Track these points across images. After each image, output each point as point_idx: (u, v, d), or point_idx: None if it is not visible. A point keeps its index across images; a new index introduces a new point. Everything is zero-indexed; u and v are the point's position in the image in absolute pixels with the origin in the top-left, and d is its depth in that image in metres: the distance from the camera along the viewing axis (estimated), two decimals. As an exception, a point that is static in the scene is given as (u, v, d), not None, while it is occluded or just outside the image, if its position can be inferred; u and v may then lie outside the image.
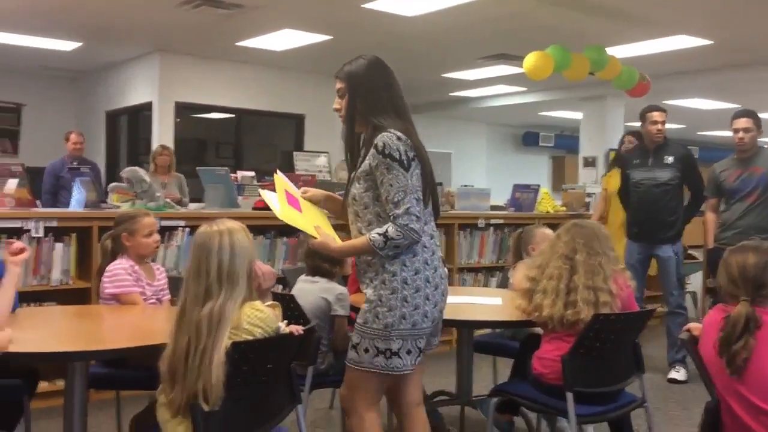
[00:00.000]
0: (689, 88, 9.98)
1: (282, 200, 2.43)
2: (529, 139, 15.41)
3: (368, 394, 2.44)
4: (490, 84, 10.35)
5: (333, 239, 2.45)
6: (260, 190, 2.55)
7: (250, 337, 2.06)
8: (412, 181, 2.31)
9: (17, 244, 2.43)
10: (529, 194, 6.17)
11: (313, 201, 2.63)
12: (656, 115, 4.85)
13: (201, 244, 2.07)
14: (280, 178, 2.53)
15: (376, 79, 2.45)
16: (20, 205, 4.15)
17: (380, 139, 2.31)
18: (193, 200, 6.17)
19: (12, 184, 4.31)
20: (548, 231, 3.80)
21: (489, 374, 4.19)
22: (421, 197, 2.34)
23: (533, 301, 2.73)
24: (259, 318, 2.09)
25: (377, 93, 2.42)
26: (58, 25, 7.38)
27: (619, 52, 7.23)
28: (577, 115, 11.28)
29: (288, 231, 4.88)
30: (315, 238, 2.44)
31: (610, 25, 6.85)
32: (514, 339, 3.62)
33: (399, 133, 2.33)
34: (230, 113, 9.56)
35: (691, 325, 2.43)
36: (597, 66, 6.61)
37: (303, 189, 2.65)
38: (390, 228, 2.30)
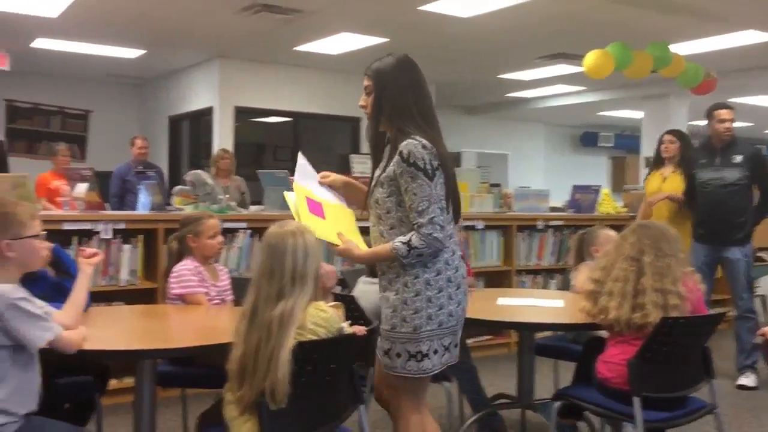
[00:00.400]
0: (757, 85, 9.64)
1: (303, 209, 2.43)
2: (587, 140, 15.13)
3: (410, 398, 2.45)
4: (548, 84, 10.22)
5: (356, 245, 2.43)
6: (285, 193, 2.57)
7: (314, 337, 2.09)
8: (436, 190, 2.31)
9: (90, 249, 2.53)
10: (590, 195, 6.06)
11: (334, 187, 2.63)
12: (724, 113, 4.70)
13: (275, 245, 2.10)
14: (298, 185, 2.51)
15: (403, 78, 2.41)
16: (90, 207, 4.29)
17: (405, 147, 2.30)
18: (252, 203, 6.28)
19: (82, 187, 4.47)
20: (611, 232, 3.72)
21: (549, 377, 4.13)
22: (445, 206, 2.34)
23: (598, 304, 2.68)
24: (322, 318, 2.11)
25: (404, 93, 2.39)
26: (123, 34, 7.62)
27: (683, 48, 7.05)
28: (638, 115, 11.02)
29: (346, 233, 4.91)
30: (337, 245, 2.43)
31: (674, 21, 6.67)
32: (576, 342, 3.56)
33: (424, 141, 2.32)
34: (288, 117, 9.70)
35: (766, 329, 2.35)
36: (660, 63, 6.45)
37: (322, 174, 2.64)
38: (414, 237, 2.30)
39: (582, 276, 3.56)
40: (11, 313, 1.99)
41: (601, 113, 12.84)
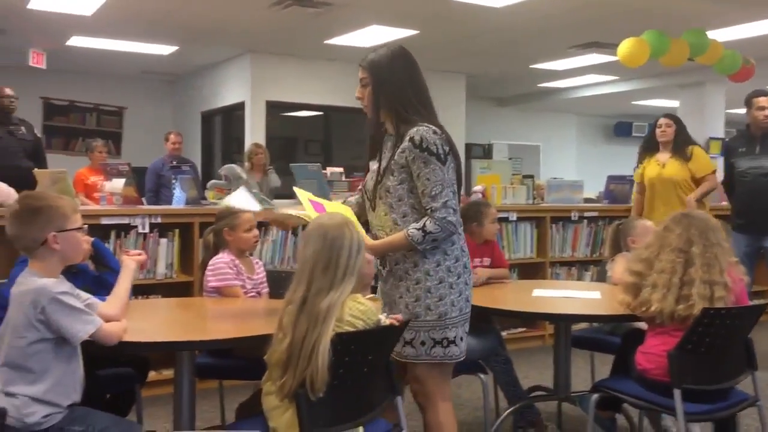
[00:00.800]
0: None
1: (309, 209, 2.48)
2: (621, 130, 14.92)
3: (439, 385, 2.49)
4: (581, 74, 10.10)
5: (367, 237, 2.43)
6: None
7: (352, 329, 2.09)
8: (448, 174, 2.36)
9: (135, 251, 2.63)
10: (624, 185, 5.98)
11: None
12: (763, 101, 4.60)
13: (334, 238, 2.09)
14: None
15: (400, 68, 2.44)
16: (127, 202, 4.36)
17: (417, 133, 2.34)
18: (284, 197, 6.31)
19: (118, 182, 4.54)
20: (649, 223, 3.67)
21: (585, 370, 4.09)
22: (456, 190, 2.38)
23: (640, 296, 2.63)
24: (360, 311, 2.12)
25: (402, 83, 2.43)
26: (156, 31, 7.71)
27: (720, 35, 6.90)
28: (673, 103, 10.83)
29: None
30: None
31: (711, 7, 6.53)
32: (613, 334, 3.52)
33: (434, 127, 2.37)
34: (319, 111, 9.72)
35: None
36: (697, 50, 6.33)
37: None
38: (428, 222, 2.35)
39: (619, 267, 3.51)
40: (53, 307, 2.03)
41: (635, 102, 12.65)
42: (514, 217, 5.38)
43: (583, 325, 3.93)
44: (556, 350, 3.28)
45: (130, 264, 2.46)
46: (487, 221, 3.60)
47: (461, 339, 2.44)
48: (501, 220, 5.22)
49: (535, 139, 13.74)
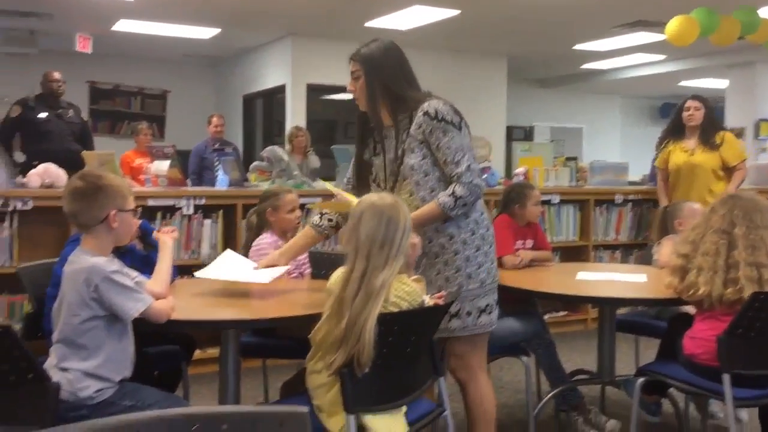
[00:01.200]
0: None
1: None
2: (667, 111, 14.55)
3: (480, 356, 2.56)
4: (626, 54, 9.87)
5: None
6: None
7: (396, 310, 2.10)
8: (466, 140, 2.47)
9: (168, 227, 2.68)
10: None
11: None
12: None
13: (391, 217, 2.10)
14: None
15: (392, 59, 2.56)
16: (172, 184, 4.43)
17: (429, 106, 2.44)
18: (326, 179, 6.33)
19: (164, 164, 4.61)
20: (696, 205, 3.60)
21: (627, 354, 4.04)
22: (474, 155, 2.48)
23: (686, 279, 2.58)
24: (406, 292, 2.13)
25: (394, 72, 2.54)
26: (198, 14, 7.77)
27: (773, 12, 6.65)
28: (722, 84, 10.54)
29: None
30: None
31: (763, -16, 6.32)
32: (659, 318, 3.47)
33: (443, 99, 2.48)
34: (359, 93, 9.71)
35: None
36: (748, 29, 6.13)
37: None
38: (457, 187, 2.41)
39: (665, 250, 3.44)
40: (105, 285, 2.08)
41: (681, 83, 12.33)
42: (556, 199, 5.32)
43: (625, 310, 3.88)
44: (600, 334, 3.24)
45: (167, 241, 2.52)
46: (530, 203, 3.56)
47: (495, 305, 2.55)
48: (543, 202, 5.17)
49: (577, 121, 13.52)
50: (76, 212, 2.19)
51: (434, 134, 2.42)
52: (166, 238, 2.54)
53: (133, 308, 2.10)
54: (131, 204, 2.26)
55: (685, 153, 4.87)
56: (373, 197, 2.21)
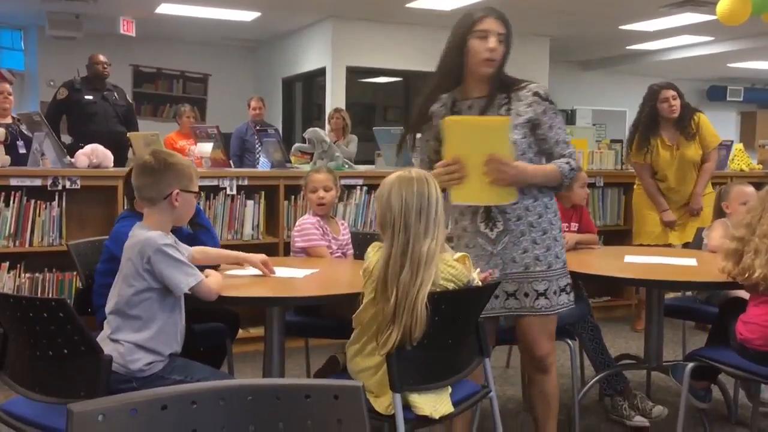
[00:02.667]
0: None
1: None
2: (714, 94, 14.21)
3: (553, 337, 2.57)
4: (673, 35, 9.63)
5: (523, 165, 2.40)
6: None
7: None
8: None
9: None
10: (721, 151, 5.68)
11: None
12: None
13: (420, 185, 2.07)
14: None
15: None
16: (215, 165, 4.46)
17: (538, 88, 2.48)
18: (364, 162, 6.32)
19: (206, 146, 4.65)
20: (747, 188, 3.48)
21: (672, 340, 3.97)
22: None
23: (742, 262, 2.50)
24: (452, 275, 2.11)
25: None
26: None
27: (830, -11, 6.39)
28: (773, 65, 10.23)
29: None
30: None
31: (820, -40, 6.07)
32: (708, 303, 3.38)
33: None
34: (399, 76, 9.66)
35: None
36: (804, 6, 5.90)
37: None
38: (571, 160, 2.47)
39: (715, 233, 3.36)
40: (158, 257, 2.11)
41: (730, 65, 12.00)
42: (601, 182, 5.22)
43: (672, 295, 3.80)
44: (648, 318, 3.18)
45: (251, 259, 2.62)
46: (576, 185, 3.50)
47: (559, 294, 2.52)
48: (588, 185, 5.07)
49: (620, 104, 13.23)
50: (142, 186, 2.24)
51: (547, 114, 2.45)
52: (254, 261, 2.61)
53: (183, 282, 2.12)
54: (195, 186, 2.30)
55: (669, 147, 4.52)
56: (394, 174, 2.16)
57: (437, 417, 2.10)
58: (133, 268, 2.12)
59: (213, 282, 2.22)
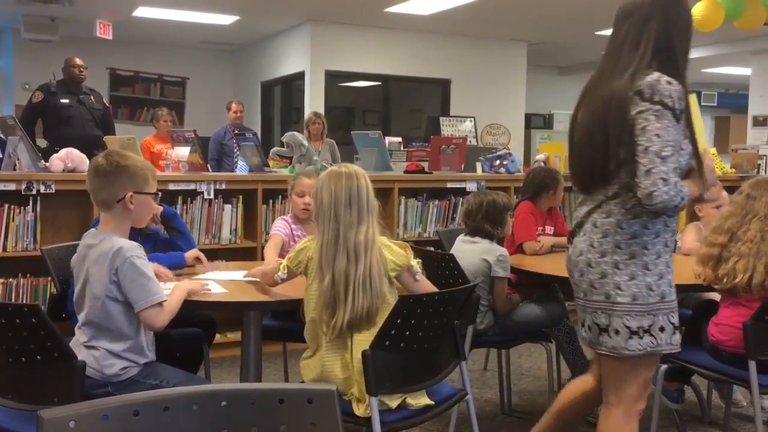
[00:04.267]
0: None
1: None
2: (688, 99, 14.40)
3: (625, 386, 2.17)
4: (648, 40, 9.74)
5: None
6: None
7: (398, 284, 2.24)
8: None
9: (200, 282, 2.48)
10: (694, 155, 5.76)
11: None
12: None
13: (348, 178, 2.19)
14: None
15: None
16: (193, 169, 4.44)
17: (643, 86, 1.99)
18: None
19: (185, 150, 4.62)
20: (721, 192, 3.53)
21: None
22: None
23: (725, 267, 2.53)
24: (394, 263, 2.22)
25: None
26: (218, 0, 7.77)
27: (800, -3, 6.51)
28: (745, 71, 10.38)
29: (439, 194, 4.90)
30: None
31: (790, -32, 6.19)
32: (682, 305, 3.42)
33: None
34: (378, 80, 9.69)
35: None
36: (775, 13, 6.00)
37: None
38: (641, 184, 1.97)
39: (689, 237, 3.41)
40: (126, 268, 2.08)
41: (704, 70, 12.17)
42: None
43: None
44: (622, 320, 3.21)
45: (182, 287, 2.34)
46: (560, 189, 3.56)
47: (650, 332, 2.07)
48: (567, 189, 5.12)
49: (597, 108, 13.38)
50: (96, 189, 2.22)
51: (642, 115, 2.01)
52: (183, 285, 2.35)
53: (141, 301, 2.08)
54: (152, 187, 2.26)
55: None
56: (330, 169, 2.27)
57: (415, 405, 2.18)
58: (100, 278, 2.10)
59: (171, 308, 2.15)
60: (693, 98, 2.11)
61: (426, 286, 2.31)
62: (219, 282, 2.57)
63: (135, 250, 2.13)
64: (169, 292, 2.22)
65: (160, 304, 2.11)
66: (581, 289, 2.12)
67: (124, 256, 2.08)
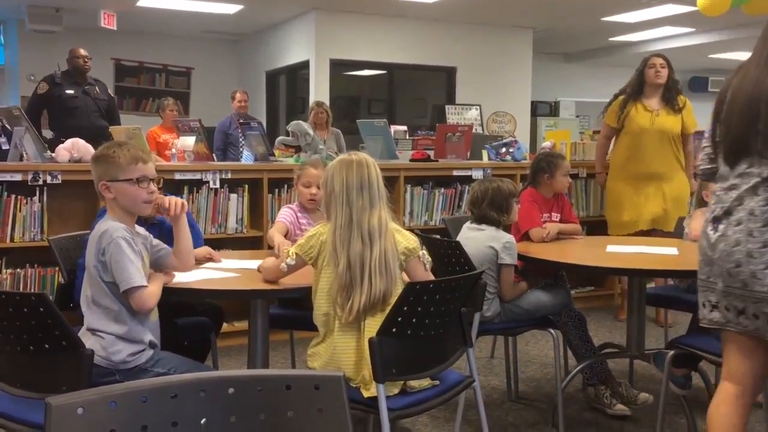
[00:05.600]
0: None
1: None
2: (696, 85, 14.31)
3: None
4: (655, 26, 9.68)
5: None
6: None
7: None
8: None
9: (165, 204, 2.41)
10: (703, 142, 5.72)
11: None
12: None
13: (360, 161, 2.23)
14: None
15: None
16: (198, 158, 4.44)
17: None
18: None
19: (190, 140, 4.62)
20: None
21: (653, 329, 3.99)
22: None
23: None
24: (405, 248, 2.25)
25: None
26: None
27: (809, -20, 6.45)
28: (754, 56, 10.30)
29: (445, 182, 4.88)
30: None
31: (799, -49, 6.12)
32: (690, 291, 3.42)
33: None
34: (383, 69, 9.65)
35: None
36: (783, -3, 5.95)
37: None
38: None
39: (696, 223, 3.39)
40: (111, 249, 2.11)
41: (712, 56, 12.08)
42: (584, 173, 5.26)
43: (651, 285, 3.83)
44: (629, 307, 3.21)
45: (175, 219, 2.42)
46: (559, 173, 3.52)
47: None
48: (571, 176, 5.10)
49: (603, 95, 13.23)
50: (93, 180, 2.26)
51: None
52: (172, 218, 2.41)
53: (125, 281, 2.10)
54: (131, 174, 2.18)
55: (649, 113, 4.58)
56: (338, 158, 2.31)
57: (418, 387, 2.21)
58: (92, 260, 2.13)
59: (152, 292, 2.16)
60: None
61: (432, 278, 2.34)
62: (232, 270, 2.58)
63: (122, 231, 2.14)
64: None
65: (143, 287, 2.12)
66: (738, 279, 2.04)
67: (111, 236, 2.12)
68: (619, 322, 4.85)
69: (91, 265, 2.14)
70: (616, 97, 4.80)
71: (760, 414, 2.93)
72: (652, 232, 4.57)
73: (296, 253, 2.28)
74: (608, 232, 4.82)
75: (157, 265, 2.35)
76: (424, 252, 2.31)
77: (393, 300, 2.13)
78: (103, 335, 2.10)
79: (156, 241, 2.35)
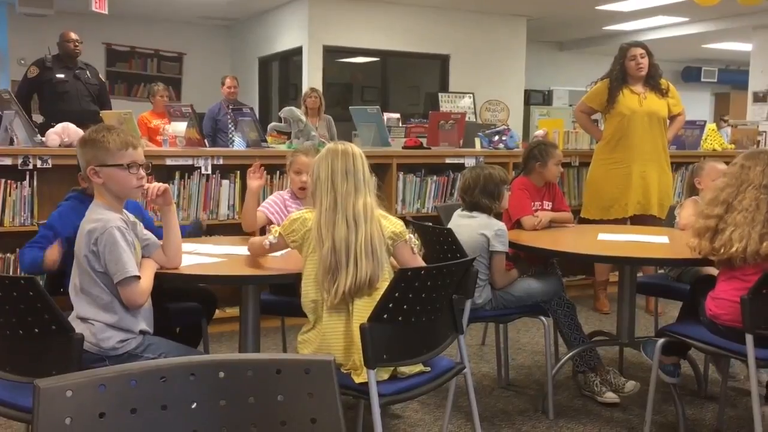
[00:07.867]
0: None
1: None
2: (689, 75, 14.33)
3: None
4: (649, 15, 9.67)
5: None
6: None
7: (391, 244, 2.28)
8: None
9: (152, 190, 2.33)
10: (694, 131, 5.75)
11: None
12: None
13: (345, 149, 2.28)
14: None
15: None
16: (190, 144, 4.41)
17: None
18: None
19: (182, 125, 4.59)
20: (720, 165, 3.52)
21: (643, 317, 4.00)
22: None
23: (722, 237, 2.53)
24: (392, 232, 2.28)
25: None
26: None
27: (802, -30, 6.47)
28: (746, 47, 10.32)
29: (438, 169, 4.88)
30: None
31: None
32: (679, 280, 3.44)
33: None
34: (376, 56, 9.61)
35: None
36: (776, -13, 5.96)
37: None
38: None
39: (686, 211, 3.40)
40: (104, 239, 2.09)
41: (705, 46, 12.10)
42: (576, 162, 5.26)
43: (640, 273, 3.84)
44: (620, 295, 3.23)
45: (164, 210, 2.37)
46: (551, 162, 3.52)
47: None
48: (564, 165, 5.10)
49: (597, 85, 13.32)
50: (79, 163, 2.25)
51: None
52: (161, 208, 2.36)
53: (117, 272, 2.09)
54: (120, 159, 2.16)
55: (636, 95, 4.54)
56: (327, 147, 2.36)
57: (408, 372, 2.22)
58: (83, 249, 2.11)
59: (144, 290, 2.15)
60: None
61: (421, 263, 2.35)
62: (223, 256, 2.58)
63: (115, 221, 2.13)
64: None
65: (137, 277, 2.11)
66: None
67: (104, 226, 2.10)
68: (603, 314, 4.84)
69: (82, 254, 2.12)
70: (597, 81, 4.79)
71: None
72: (639, 219, 4.57)
73: (280, 233, 2.34)
74: (587, 215, 4.78)
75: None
76: (411, 236, 2.34)
77: (380, 284, 2.14)
78: (93, 322, 2.10)
79: (146, 232, 2.33)
